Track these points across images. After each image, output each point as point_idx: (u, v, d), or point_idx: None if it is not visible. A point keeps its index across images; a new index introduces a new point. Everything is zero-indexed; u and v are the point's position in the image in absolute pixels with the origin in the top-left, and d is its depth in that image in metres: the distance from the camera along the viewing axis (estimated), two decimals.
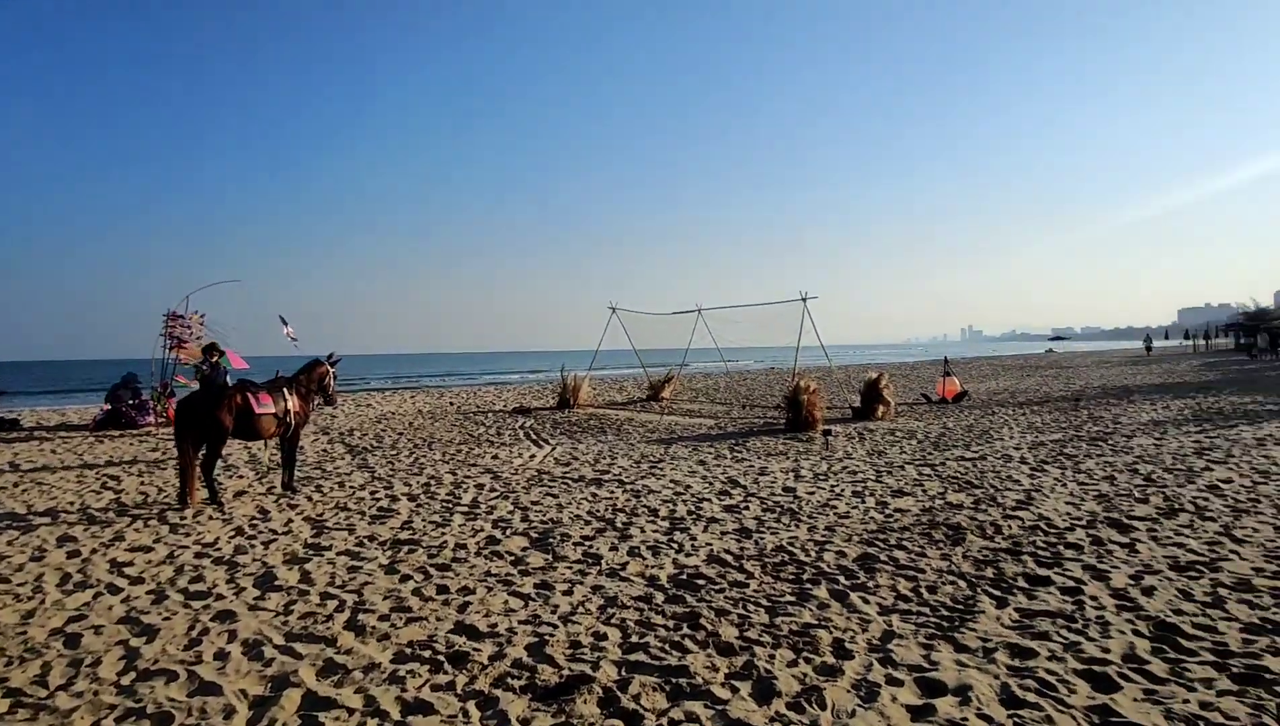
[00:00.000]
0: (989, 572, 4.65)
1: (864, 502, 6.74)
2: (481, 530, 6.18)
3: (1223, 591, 4.16)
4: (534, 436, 12.45)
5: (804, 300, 13.58)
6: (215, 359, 7.93)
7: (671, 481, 8.04)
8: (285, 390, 7.86)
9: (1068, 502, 6.50)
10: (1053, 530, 5.57)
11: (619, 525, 6.22)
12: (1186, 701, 3.01)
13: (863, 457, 9.38)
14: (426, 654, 3.68)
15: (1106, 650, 3.51)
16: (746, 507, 6.67)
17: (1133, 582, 4.36)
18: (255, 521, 6.63)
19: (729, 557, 5.20)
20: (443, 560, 5.32)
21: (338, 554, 5.52)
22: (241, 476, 8.89)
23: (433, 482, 8.30)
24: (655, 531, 5.99)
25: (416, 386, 34.14)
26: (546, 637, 3.85)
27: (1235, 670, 3.25)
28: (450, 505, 7.15)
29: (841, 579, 4.67)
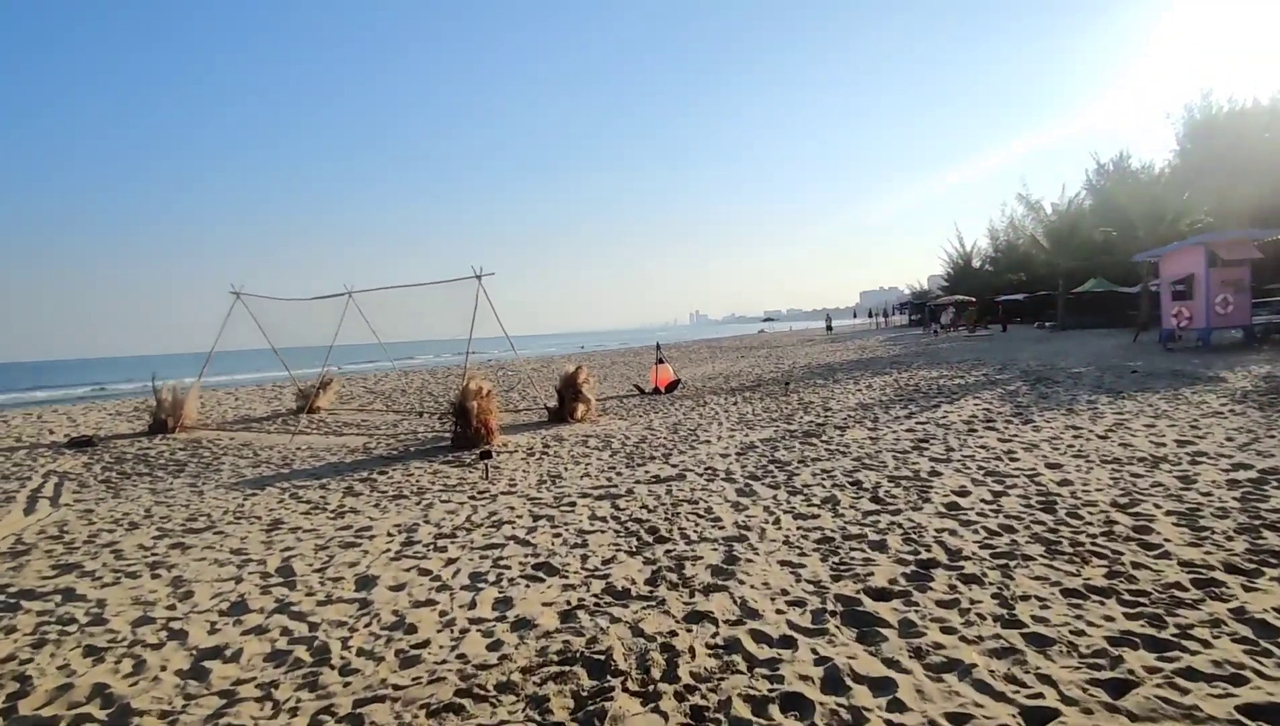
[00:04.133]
0: None
1: (469, 615, 3.84)
2: None
3: None
4: (46, 491, 7.93)
5: (478, 277, 10.59)
6: None
7: (173, 582, 4.56)
8: None
9: (781, 562, 4.22)
10: (759, 680, 3.08)
11: None
12: None
13: (530, 489, 6.65)
14: None
15: None
16: (227, 650, 3.45)
17: None
18: None
19: None
20: None
21: None
22: None
23: None
24: None
25: None
26: None
27: None
28: None
29: None
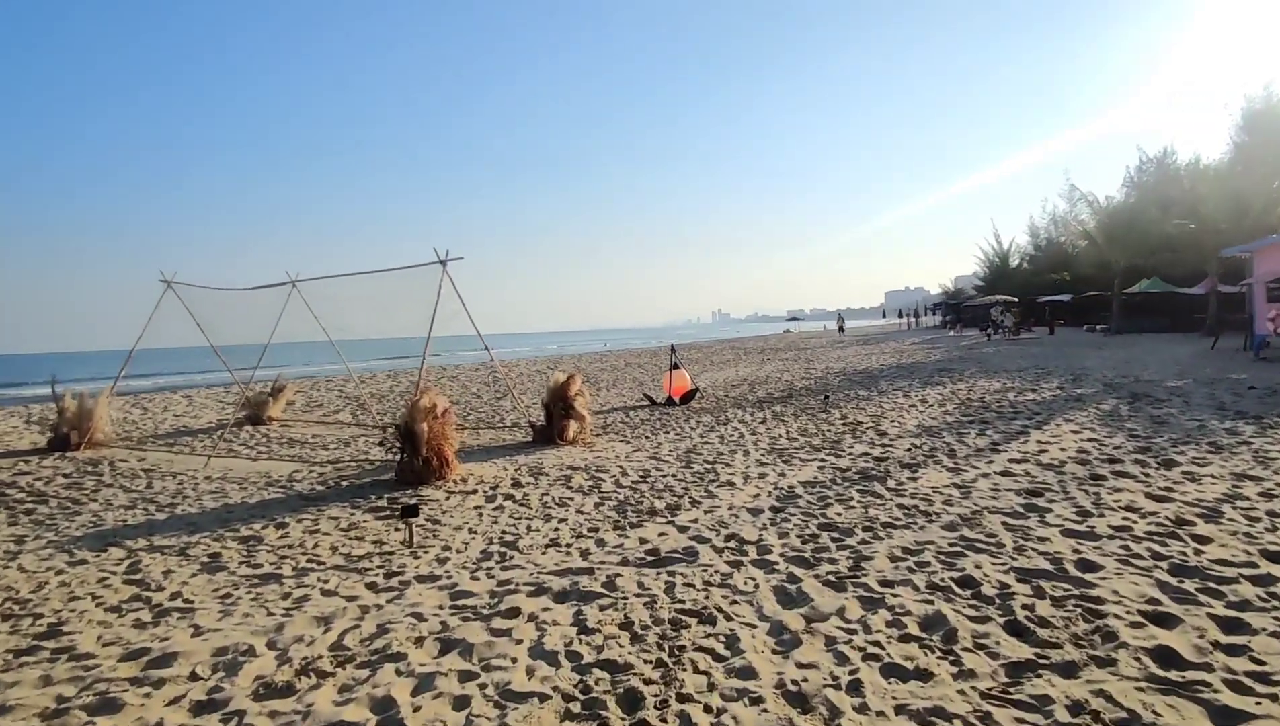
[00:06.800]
0: None
1: None
2: None
3: None
4: None
5: (443, 262, 8.43)
6: None
7: None
8: None
9: None
10: None
11: None
12: None
13: (463, 569, 4.46)
14: None
15: None
16: None
17: None
18: None
19: None
20: None
21: None
22: None
23: None
24: None
25: None
26: None
27: None
28: None
29: None
